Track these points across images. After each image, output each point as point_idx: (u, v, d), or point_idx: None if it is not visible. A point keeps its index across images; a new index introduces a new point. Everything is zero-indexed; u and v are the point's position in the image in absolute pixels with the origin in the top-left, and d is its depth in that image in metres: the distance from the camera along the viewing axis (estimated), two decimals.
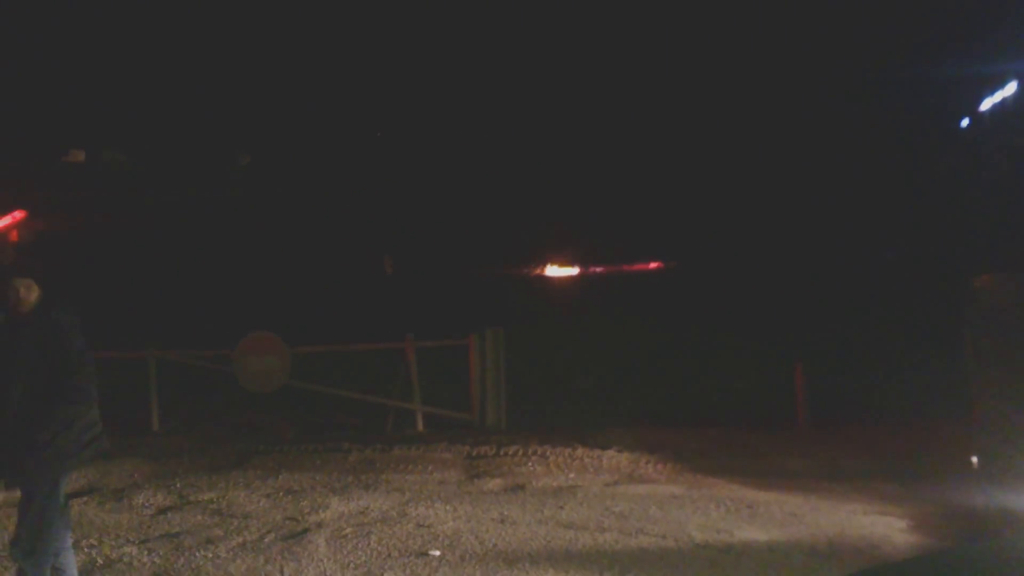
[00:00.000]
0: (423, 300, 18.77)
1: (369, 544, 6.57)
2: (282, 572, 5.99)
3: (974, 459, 6.85)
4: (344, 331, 14.07)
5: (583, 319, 17.76)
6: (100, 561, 6.23)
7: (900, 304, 16.75)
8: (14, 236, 13.44)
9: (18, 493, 5.02)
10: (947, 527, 7.05)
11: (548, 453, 9.65)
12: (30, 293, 4.90)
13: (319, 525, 7.08)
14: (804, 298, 18.56)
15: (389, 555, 6.33)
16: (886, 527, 7.03)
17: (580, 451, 9.70)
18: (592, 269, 23.38)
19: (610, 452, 9.65)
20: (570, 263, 23.49)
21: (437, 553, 6.34)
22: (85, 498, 8.00)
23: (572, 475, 8.83)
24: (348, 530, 6.93)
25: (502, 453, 9.76)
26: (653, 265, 23.93)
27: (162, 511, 7.60)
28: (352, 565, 6.12)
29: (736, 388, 13.37)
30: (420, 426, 11.54)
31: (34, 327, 4.86)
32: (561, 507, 7.58)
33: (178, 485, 8.45)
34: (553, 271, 23.31)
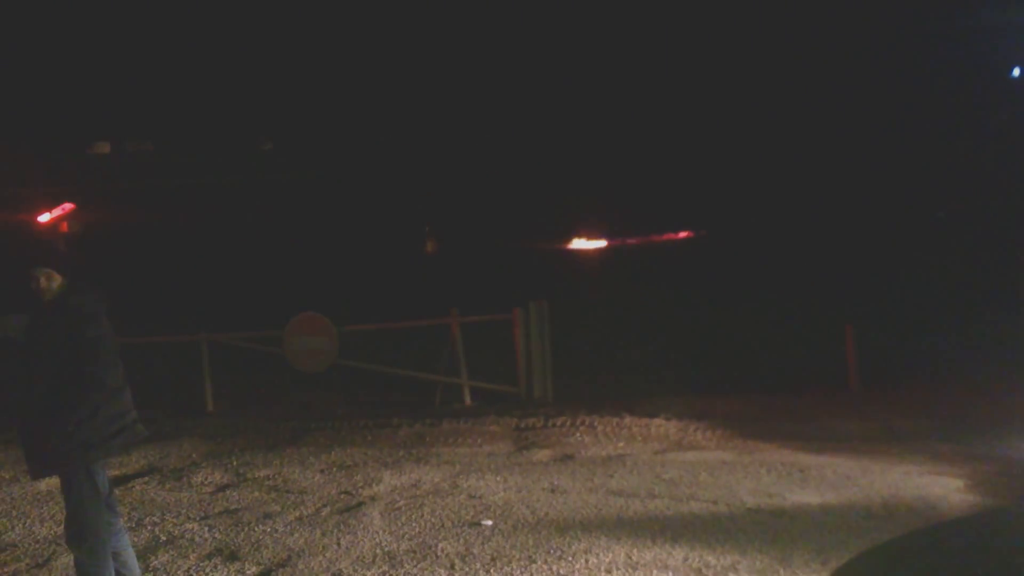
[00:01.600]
0: (462, 276, 18.84)
1: (422, 516, 6.66)
2: (339, 544, 6.11)
3: None
4: (389, 309, 14.20)
5: (619, 290, 17.70)
6: (163, 538, 6.41)
7: (951, 263, 16.45)
8: (64, 228, 13.76)
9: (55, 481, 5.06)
10: (1005, 486, 6.95)
11: (596, 423, 9.69)
12: (51, 282, 4.85)
13: (373, 498, 7.20)
14: (853, 260, 18.28)
15: (442, 526, 6.42)
16: (942, 487, 6.95)
17: (628, 420, 9.72)
18: (621, 241, 23.27)
19: (658, 420, 9.66)
20: (598, 235, 23.40)
21: (489, 523, 6.42)
22: (146, 478, 8.22)
23: (621, 444, 8.86)
24: (401, 503, 7.03)
25: (550, 424, 9.81)
26: (683, 234, 23.74)
27: (220, 488, 7.78)
28: (407, 536, 6.21)
29: (784, 353, 13.27)
30: (468, 400, 11.63)
31: (55, 316, 4.81)
32: (611, 475, 7.61)
33: (235, 463, 8.64)
34: (581, 243, 23.24)
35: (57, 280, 4.87)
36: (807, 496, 6.83)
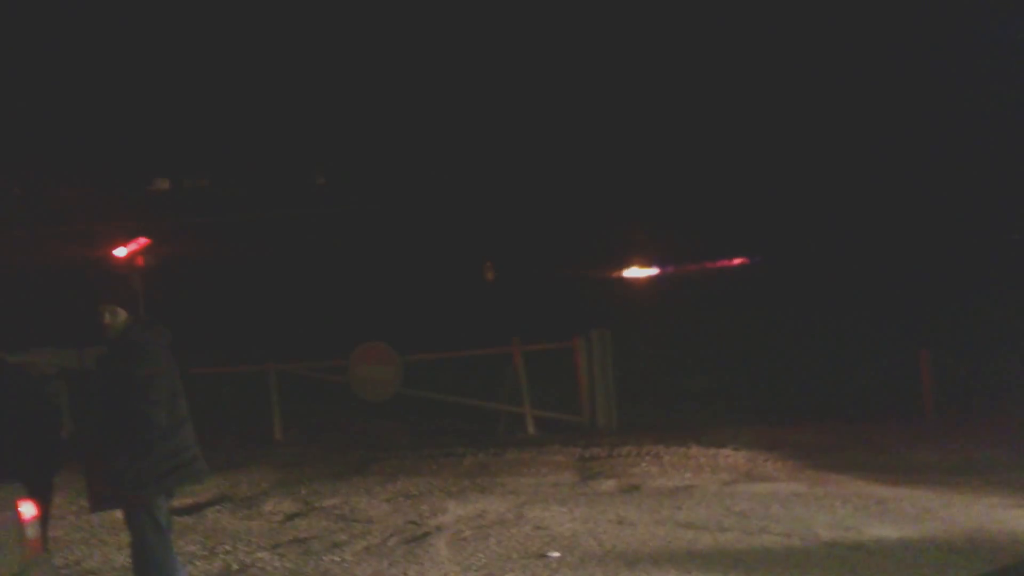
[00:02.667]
0: (520, 304, 18.86)
1: (488, 546, 6.63)
2: (406, 575, 6.11)
3: None
4: (451, 338, 14.26)
5: (677, 318, 17.53)
6: (236, 567, 6.49)
7: None
8: (139, 262, 14.16)
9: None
10: None
11: (662, 453, 9.56)
12: (115, 318, 4.90)
13: (439, 528, 7.20)
14: (926, 281, 17.83)
15: (509, 557, 6.38)
16: None
17: (695, 450, 9.57)
18: (674, 268, 23.14)
19: (726, 451, 9.49)
20: (651, 263, 23.31)
21: (556, 555, 6.36)
22: (218, 507, 8.34)
23: (688, 475, 8.72)
24: (467, 532, 7.02)
25: (615, 454, 9.71)
26: (737, 261, 23.50)
27: (290, 517, 7.85)
28: (473, 567, 6.19)
29: (855, 379, 12.95)
30: (531, 429, 11.58)
31: (116, 352, 4.87)
32: (679, 507, 7.49)
33: (303, 492, 8.72)
34: (635, 272, 23.18)
35: (121, 316, 4.93)
36: (885, 530, 6.63)
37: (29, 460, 5.10)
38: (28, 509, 4.28)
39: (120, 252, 13.41)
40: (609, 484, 8.53)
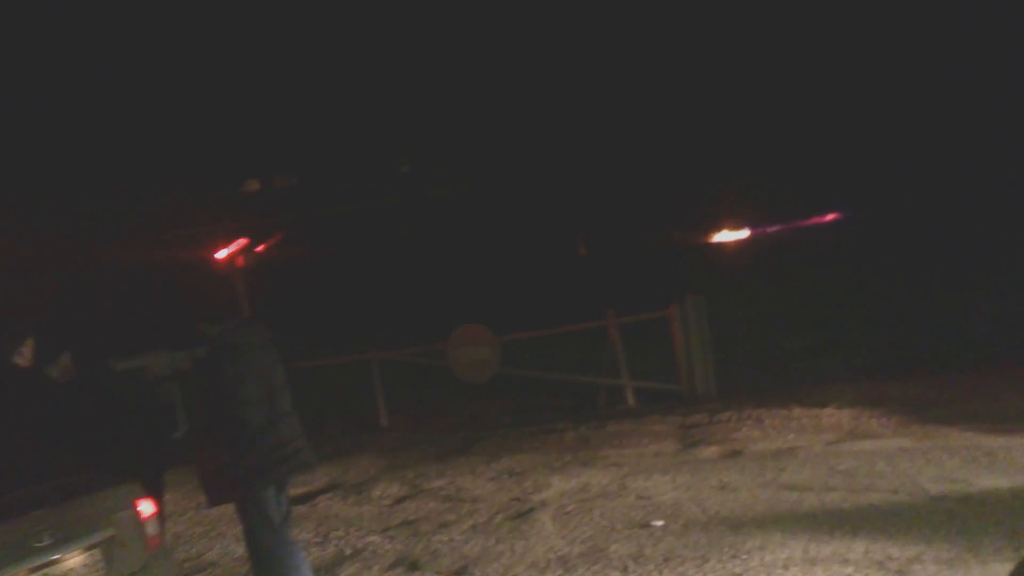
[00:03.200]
0: (612, 276, 18.81)
1: (592, 519, 6.72)
2: (513, 551, 6.26)
3: None
4: (546, 315, 14.36)
5: (771, 279, 17.17)
6: (348, 551, 6.76)
7: None
8: (240, 262, 14.70)
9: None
10: None
11: (763, 416, 9.46)
12: (212, 321, 5.13)
13: (543, 503, 7.32)
14: None
15: (613, 528, 6.46)
16: None
17: (796, 411, 9.43)
18: (765, 229, 22.60)
19: (828, 410, 9.33)
20: (741, 226, 22.83)
21: (660, 523, 6.41)
22: (329, 494, 8.67)
23: (790, 436, 8.61)
24: (571, 506, 7.12)
25: (715, 420, 9.66)
26: (830, 216, 22.78)
27: (398, 501, 8.11)
28: (579, 540, 6.29)
29: (965, 330, 12.48)
30: (631, 400, 11.61)
31: (211, 353, 5.09)
32: (782, 469, 7.43)
33: (410, 475, 8.98)
34: (726, 235, 22.75)
35: (218, 321, 5.16)
36: (996, 481, 6.44)
37: (145, 460, 5.44)
38: (147, 507, 4.56)
39: (221, 254, 13.96)
40: (711, 451, 8.50)
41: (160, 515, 5.40)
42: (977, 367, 10.50)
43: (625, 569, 5.62)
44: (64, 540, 4.13)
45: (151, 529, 4.55)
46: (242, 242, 15.08)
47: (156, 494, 5.40)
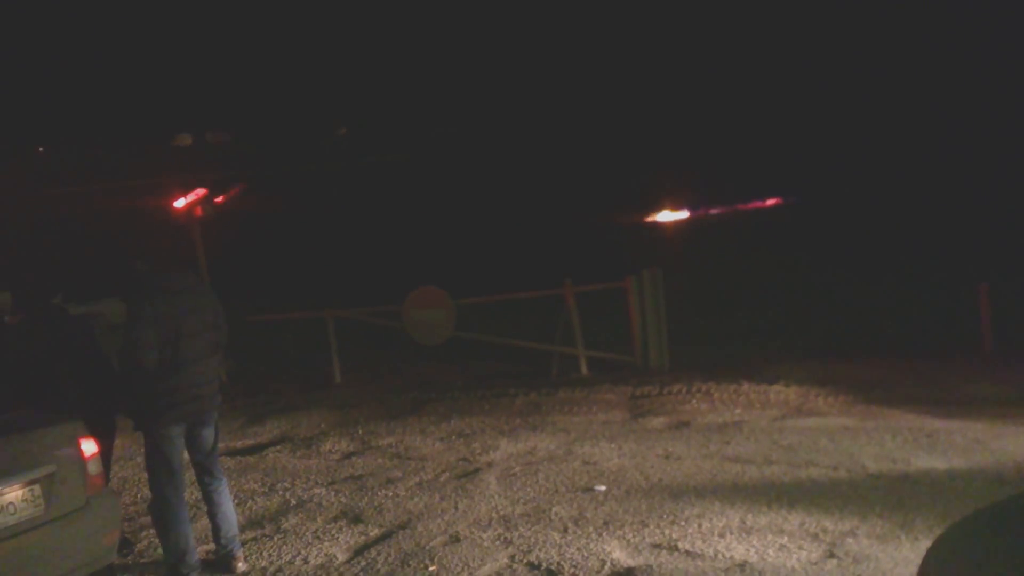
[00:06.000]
0: (559, 252, 18.91)
1: (537, 481, 6.79)
2: (456, 508, 6.31)
3: None
4: (502, 281, 14.39)
5: (720, 260, 17.36)
6: (293, 502, 6.77)
7: None
8: (198, 212, 14.50)
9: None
10: None
11: (712, 390, 9.59)
12: (146, 266, 5.33)
13: (489, 465, 7.38)
14: (984, 215, 17.34)
15: (556, 491, 6.54)
16: None
17: (745, 387, 9.58)
18: (706, 211, 22.91)
19: (777, 387, 9.48)
20: (681, 207, 23.13)
21: (603, 488, 6.49)
22: (278, 446, 8.66)
23: (738, 411, 8.75)
24: (517, 469, 7.19)
25: (665, 392, 9.78)
26: (771, 201, 23.12)
27: (347, 456, 8.13)
28: (521, 500, 6.36)
29: (911, 315, 12.75)
30: (584, 370, 11.68)
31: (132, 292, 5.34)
32: (727, 442, 7.55)
33: (360, 432, 8.99)
34: (665, 216, 23.00)
35: (152, 263, 5.29)
36: (934, 461, 6.61)
37: (91, 403, 5.39)
38: (89, 446, 4.52)
39: (179, 203, 13.76)
40: (659, 421, 8.61)
41: (106, 457, 5.37)
42: (925, 352, 10.70)
43: (565, 530, 5.70)
44: (3, 474, 4.09)
45: (93, 468, 4.52)
46: (201, 192, 14.86)
47: (104, 436, 5.37)
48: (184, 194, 13.95)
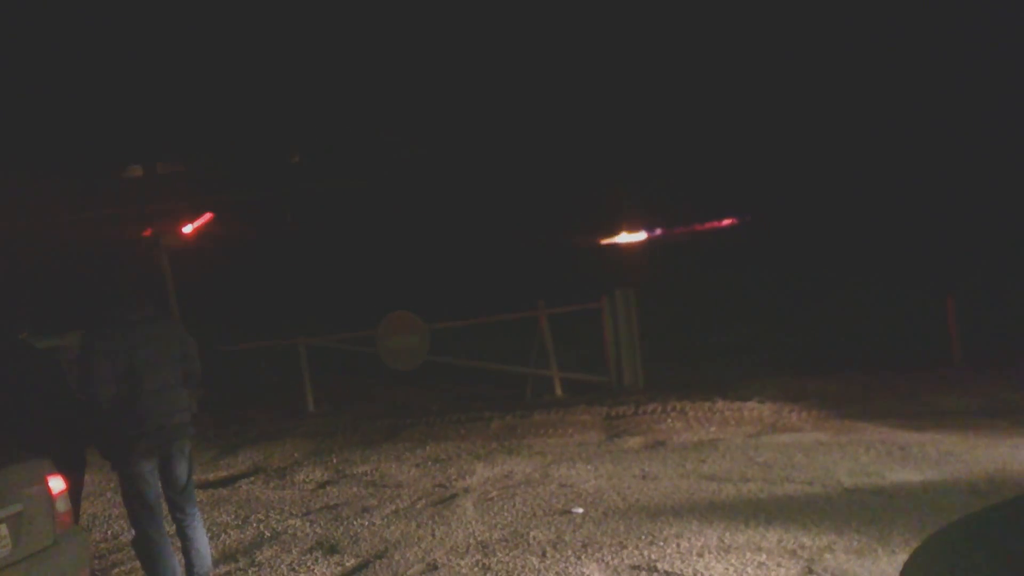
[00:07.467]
0: (538, 269, 18.96)
1: (514, 505, 6.75)
2: (433, 535, 6.25)
3: None
4: (474, 305, 14.36)
5: (682, 279, 17.49)
6: (268, 534, 6.67)
7: None
8: (168, 243, 14.40)
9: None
10: None
11: (687, 408, 9.61)
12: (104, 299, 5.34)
13: (466, 490, 7.33)
14: (951, 228, 17.61)
15: (534, 514, 6.49)
16: None
17: (720, 404, 9.60)
18: (664, 231, 23.19)
19: (751, 404, 9.51)
20: (639, 228, 23.35)
21: (580, 510, 6.46)
22: (252, 478, 8.55)
23: (713, 429, 8.77)
24: (494, 493, 7.14)
25: (641, 412, 9.77)
26: (726, 221, 23.42)
27: (321, 485, 8.03)
28: (499, 525, 6.31)
29: (880, 330, 12.87)
30: (558, 391, 11.67)
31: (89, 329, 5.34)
32: (703, 460, 7.56)
33: (335, 461, 8.90)
34: (623, 237, 23.21)
35: (107, 295, 5.29)
36: (908, 474, 6.65)
37: (59, 439, 5.29)
38: (57, 483, 4.43)
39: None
40: (634, 441, 8.60)
41: (75, 493, 5.27)
42: (895, 365, 10.79)
43: (543, 554, 5.66)
44: None
45: (61, 506, 4.43)
46: (208, 216, 14.79)
47: (73, 472, 5.26)
48: (164, 223, 13.88)
